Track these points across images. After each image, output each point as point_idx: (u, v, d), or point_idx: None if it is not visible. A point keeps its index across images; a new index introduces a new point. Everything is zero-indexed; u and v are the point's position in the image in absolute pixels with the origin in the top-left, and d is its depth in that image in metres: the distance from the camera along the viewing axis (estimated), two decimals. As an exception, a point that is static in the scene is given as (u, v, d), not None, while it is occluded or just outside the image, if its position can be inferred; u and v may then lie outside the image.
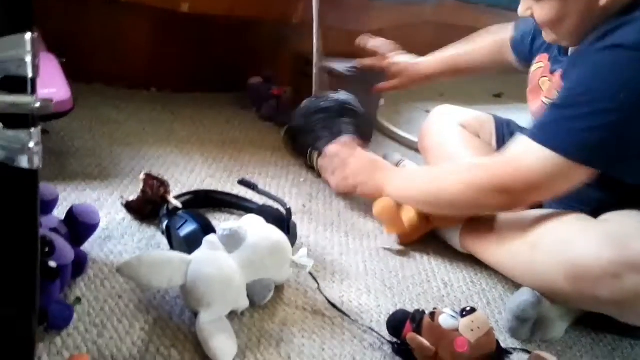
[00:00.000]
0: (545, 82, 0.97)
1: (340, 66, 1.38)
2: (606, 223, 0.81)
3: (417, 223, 1.01)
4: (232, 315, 0.73)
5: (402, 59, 1.26)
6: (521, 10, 0.88)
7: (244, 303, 0.74)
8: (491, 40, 1.20)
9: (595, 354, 0.87)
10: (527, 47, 1.07)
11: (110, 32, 1.39)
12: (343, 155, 1.09)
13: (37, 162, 0.43)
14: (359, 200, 1.15)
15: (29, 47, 0.40)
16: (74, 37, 1.32)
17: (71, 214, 0.74)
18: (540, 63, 1.01)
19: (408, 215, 1.01)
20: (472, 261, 1.00)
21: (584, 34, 0.82)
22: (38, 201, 0.46)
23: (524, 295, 0.83)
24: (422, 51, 1.26)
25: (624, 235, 0.75)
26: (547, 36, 0.90)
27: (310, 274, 0.84)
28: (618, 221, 0.81)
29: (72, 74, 1.06)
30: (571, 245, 0.78)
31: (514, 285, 0.89)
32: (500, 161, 0.88)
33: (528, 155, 0.82)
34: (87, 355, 0.56)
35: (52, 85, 0.96)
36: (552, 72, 0.95)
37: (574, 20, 0.82)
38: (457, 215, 0.98)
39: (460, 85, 1.11)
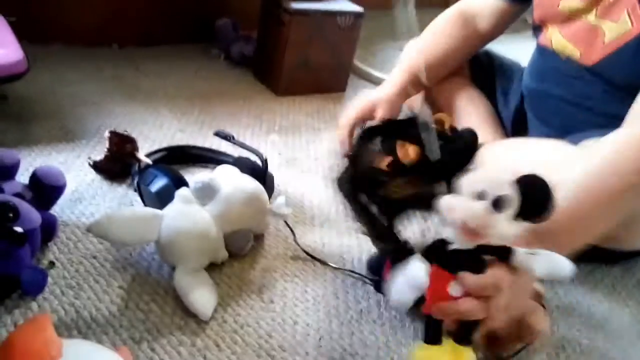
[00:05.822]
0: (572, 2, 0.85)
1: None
2: (585, 149, 0.80)
3: None
4: (212, 266, 0.73)
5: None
6: None
7: (223, 254, 0.73)
8: (450, 25, 1.05)
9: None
10: None
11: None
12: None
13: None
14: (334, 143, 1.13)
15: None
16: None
17: (35, 177, 0.72)
18: None
19: None
20: (451, 195, 1.00)
21: None
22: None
23: None
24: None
25: None
26: None
27: (286, 222, 0.83)
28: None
29: (28, 35, 1.01)
30: (547, 174, 0.78)
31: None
32: None
33: None
34: (48, 315, 0.54)
35: (2, 46, 0.91)
36: None
37: None
38: None
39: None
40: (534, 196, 0.54)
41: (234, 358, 0.61)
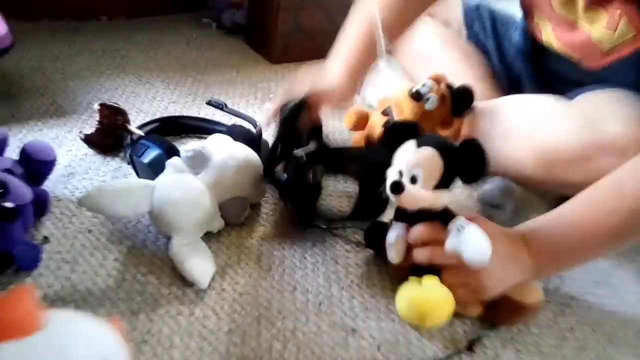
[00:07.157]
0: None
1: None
2: (580, 105, 0.77)
3: None
4: (210, 235, 0.72)
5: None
6: None
7: (219, 223, 0.72)
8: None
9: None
10: None
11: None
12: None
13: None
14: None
15: None
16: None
17: (24, 152, 0.70)
18: None
19: None
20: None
21: None
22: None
23: (492, 183, 0.83)
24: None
25: (596, 117, 0.72)
26: None
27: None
28: (592, 102, 0.77)
29: (16, 12, 0.99)
30: (543, 130, 0.76)
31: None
32: None
33: None
34: (31, 285, 0.53)
35: (-16, 20, 0.88)
36: None
37: None
38: None
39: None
40: (470, 161, 0.60)
41: (233, 326, 0.60)
